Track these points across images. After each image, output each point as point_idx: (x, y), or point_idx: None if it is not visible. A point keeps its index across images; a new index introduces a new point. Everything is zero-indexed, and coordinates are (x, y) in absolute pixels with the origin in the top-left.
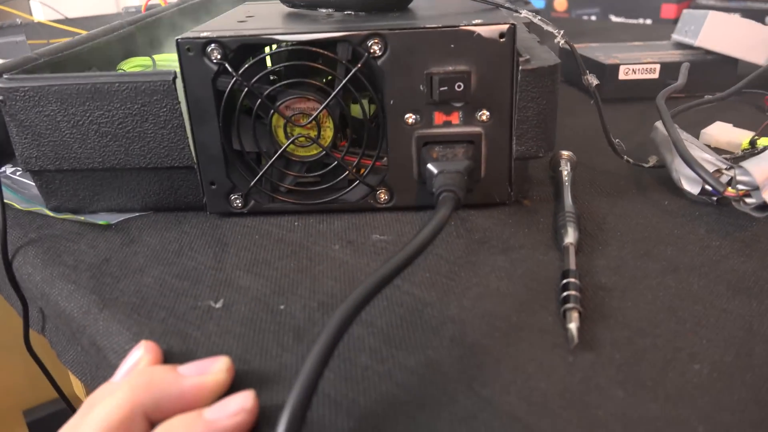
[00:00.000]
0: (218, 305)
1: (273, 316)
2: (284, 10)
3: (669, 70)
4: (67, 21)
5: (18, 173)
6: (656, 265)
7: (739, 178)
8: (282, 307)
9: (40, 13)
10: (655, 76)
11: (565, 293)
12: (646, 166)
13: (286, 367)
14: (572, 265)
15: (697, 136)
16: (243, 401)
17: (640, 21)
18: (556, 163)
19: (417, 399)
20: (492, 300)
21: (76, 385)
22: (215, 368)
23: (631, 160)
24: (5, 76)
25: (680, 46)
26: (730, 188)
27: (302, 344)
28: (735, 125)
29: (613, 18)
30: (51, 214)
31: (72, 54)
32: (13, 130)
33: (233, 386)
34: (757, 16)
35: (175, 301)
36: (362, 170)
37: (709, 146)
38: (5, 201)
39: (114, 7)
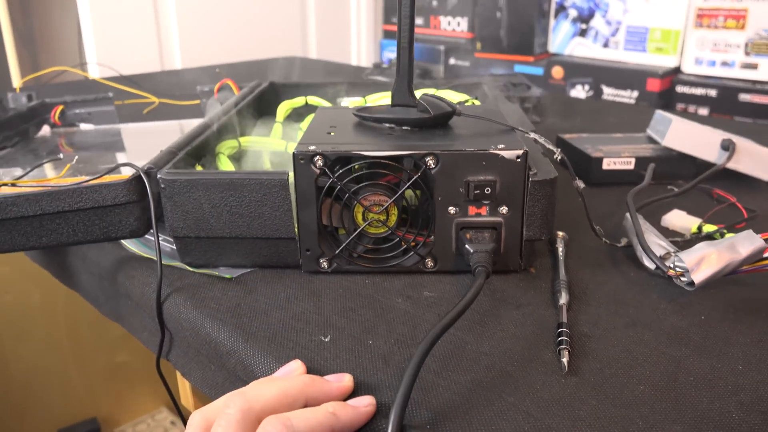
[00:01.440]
0: (327, 339)
1: (365, 348)
2: (354, 120)
3: (642, 162)
4: (121, 78)
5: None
6: (621, 320)
7: (677, 263)
8: (370, 342)
9: (96, 71)
10: (631, 167)
11: (559, 338)
12: (619, 245)
13: (382, 381)
14: (564, 319)
15: (659, 220)
16: (370, 398)
17: (628, 92)
18: (553, 241)
19: (467, 402)
20: (511, 341)
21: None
22: (346, 378)
23: (608, 241)
24: (166, 170)
25: (652, 140)
26: (671, 269)
27: (389, 367)
28: (689, 212)
29: (605, 88)
30: (188, 268)
31: (194, 147)
32: (168, 207)
33: (353, 392)
34: (731, 93)
35: (297, 336)
36: (414, 243)
37: (667, 229)
38: (146, 256)
39: (158, 64)
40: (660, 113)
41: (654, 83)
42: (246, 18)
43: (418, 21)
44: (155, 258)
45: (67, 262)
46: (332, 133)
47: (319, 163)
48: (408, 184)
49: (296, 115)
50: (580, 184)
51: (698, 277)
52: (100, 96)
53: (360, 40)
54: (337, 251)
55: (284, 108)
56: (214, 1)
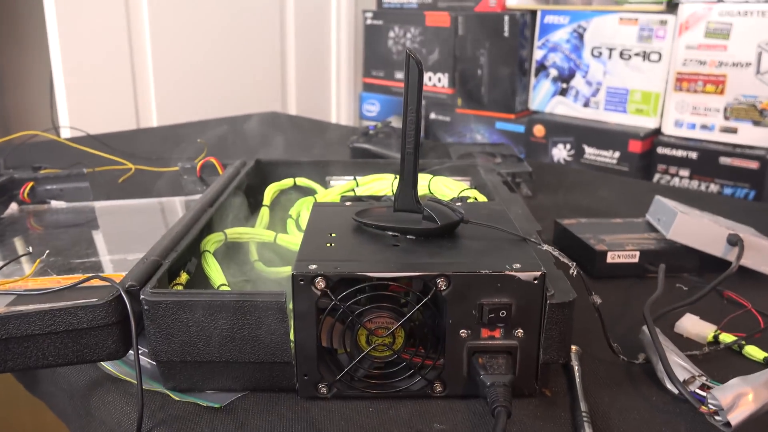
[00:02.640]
0: None
1: None
2: (354, 224)
3: (646, 255)
4: (93, 140)
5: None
6: None
7: (710, 401)
8: None
9: (67, 133)
10: (636, 260)
11: None
12: (636, 363)
13: None
14: None
15: (671, 325)
16: None
17: (610, 152)
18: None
19: None
20: None
21: None
22: None
23: (625, 359)
24: (150, 290)
25: (652, 227)
26: (704, 406)
27: None
28: (702, 316)
29: (586, 147)
30: (171, 394)
31: (180, 253)
32: (150, 330)
33: None
34: (711, 156)
35: None
36: (421, 367)
37: (681, 336)
38: (124, 378)
39: (134, 122)
40: (660, 200)
41: (635, 144)
42: (224, 72)
43: (398, 75)
44: (134, 381)
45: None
46: (331, 245)
47: (321, 284)
48: (416, 308)
49: (284, 196)
50: (597, 300)
51: (735, 418)
52: (74, 172)
53: (340, 94)
54: (338, 376)
55: (272, 190)
56: (191, 55)
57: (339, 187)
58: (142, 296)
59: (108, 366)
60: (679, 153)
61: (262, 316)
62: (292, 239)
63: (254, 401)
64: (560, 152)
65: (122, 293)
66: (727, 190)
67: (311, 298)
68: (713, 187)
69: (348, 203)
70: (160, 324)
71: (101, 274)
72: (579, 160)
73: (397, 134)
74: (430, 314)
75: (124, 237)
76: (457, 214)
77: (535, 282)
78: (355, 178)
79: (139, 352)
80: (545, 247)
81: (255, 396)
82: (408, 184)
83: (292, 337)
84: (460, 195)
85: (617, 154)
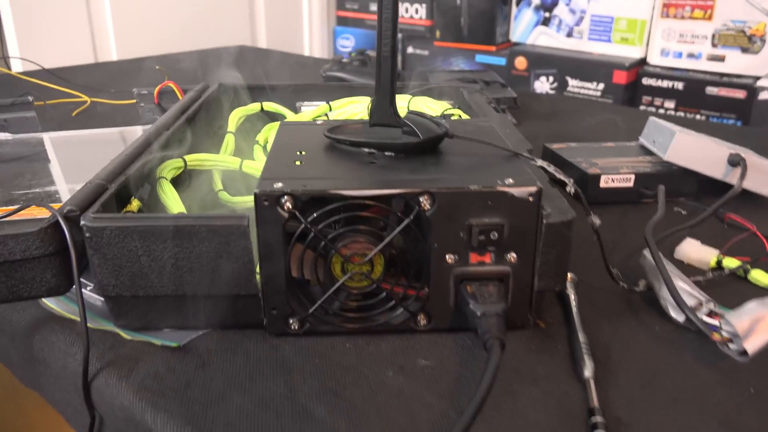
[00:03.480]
0: None
1: None
2: (326, 142)
3: (642, 179)
4: (46, 73)
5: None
6: (659, 397)
7: (724, 327)
8: None
9: (18, 65)
10: (630, 184)
11: None
12: (637, 290)
13: None
14: (596, 402)
15: (671, 251)
16: None
17: (594, 84)
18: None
19: None
20: None
21: None
22: None
23: (626, 286)
24: (91, 215)
25: (646, 150)
26: (716, 334)
27: None
28: (703, 241)
29: (570, 80)
30: (122, 333)
31: (130, 177)
32: (95, 261)
33: None
34: (697, 86)
35: None
36: (403, 298)
37: (682, 263)
38: (69, 317)
39: (91, 56)
40: (655, 121)
41: (620, 75)
42: (188, 2)
43: (373, 7)
44: (80, 320)
45: None
46: (301, 162)
47: (288, 205)
48: (397, 230)
49: (249, 123)
50: (596, 221)
51: (751, 346)
52: (18, 100)
53: (312, 28)
54: (310, 310)
55: (237, 116)
56: None
57: (310, 112)
58: (82, 222)
59: (51, 303)
60: (665, 84)
61: (222, 243)
62: (260, 166)
63: (217, 339)
64: (543, 85)
65: (60, 219)
66: (713, 121)
67: (278, 221)
68: (699, 119)
69: (319, 122)
70: (105, 254)
71: (41, 204)
72: (562, 93)
73: (373, 62)
74: (413, 238)
75: (76, 168)
76: (441, 128)
77: (530, 199)
78: (328, 103)
79: (85, 288)
80: (539, 162)
81: (217, 334)
82: (385, 94)
83: (257, 267)
84: (444, 113)
85: (601, 86)
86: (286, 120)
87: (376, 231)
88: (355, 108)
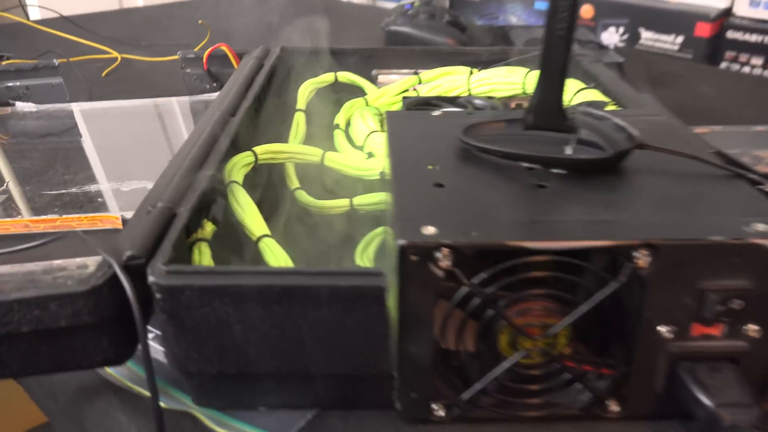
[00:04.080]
0: None
1: None
2: (458, 147)
3: None
4: (64, 20)
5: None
6: None
7: None
8: None
9: (36, 13)
10: None
11: None
12: None
13: None
14: None
15: None
16: None
17: (672, 37)
18: None
19: None
20: None
21: None
22: None
23: None
24: (163, 266)
25: None
26: None
27: None
28: None
29: (643, 32)
30: (205, 421)
31: (202, 194)
32: (169, 330)
33: None
34: None
35: None
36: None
37: None
38: (132, 388)
39: (116, 3)
40: None
41: (704, 28)
42: None
43: None
44: (146, 393)
45: None
46: (441, 185)
47: (446, 261)
48: (603, 296)
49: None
50: None
51: None
52: (43, 64)
53: None
54: (466, 395)
55: (308, 89)
56: None
57: (396, 86)
58: (151, 278)
59: (110, 369)
60: (753, 38)
61: (347, 309)
62: (343, 159)
63: (330, 426)
64: (611, 37)
65: (119, 273)
66: None
67: (428, 282)
68: None
69: (436, 113)
70: (183, 321)
71: (79, 231)
72: (633, 46)
73: (442, 15)
74: (615, 304)
75: (115, 154)
76: (627, 135)
77: None
78: (416, 73)
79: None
80: None
81: (331, 417)
82: (552, 88)
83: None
84: (577, 97)
85: (680, 39)
86: (368, 99)
87: (563, 294)
88: (453, 81)
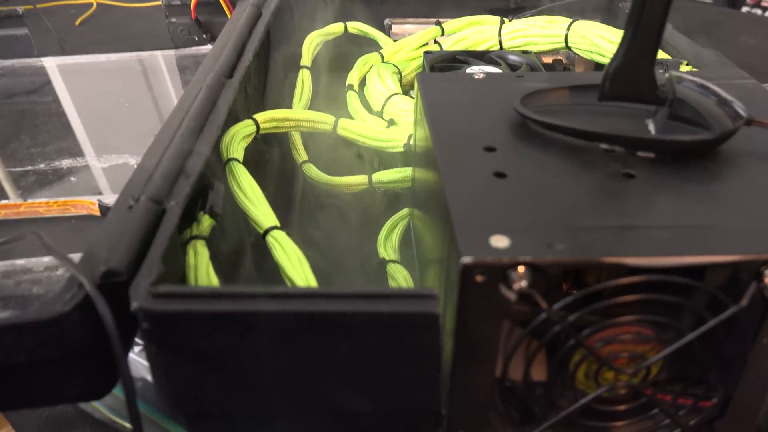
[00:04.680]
0: None
1: None
2: (516, 123)
3: None
4: None
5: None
6: None
7: None
8: None
9: None
10: None
11: None
12: None
13: None
14: None
15: None
16: None
17: None
18: None
19: None
20: None
21: None
22: None
23: None
24: (149, 287)
25: None
26: None
27: None
28: None
29: None
30: None
31: (197, 180)
32: (158, 364)
33: None
34: None
35: None
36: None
37: None
38: (115, 420)
39: None
40: None
41: None
42: None
43: None
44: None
45: None
46: (503, 176)
47: (522, 283)
48: (715, 321)
49: (324, 50)
50: None
51: None
52: (3, 12)
53: None
54: None
55: (314, 42)
56: None
57: (415, 38)
58: (135, 304)
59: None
60: None
61: (390, 339)
62: (360, 128)
63: None
64: None
65: (93, 295)
66: None
67: (498, 305)
68: None
69: (478, 75)
70: (175, 354)
71: (43, 236)
72: None
73: None
74: (731, 330)
75: (92, 119)
76: (733, 110)
77: None
78: (438, 23)
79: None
80: None
81: None
82: (645, 48)
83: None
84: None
85: None
86: (383, 53)
87: (662, 319)
88: (480, 34)
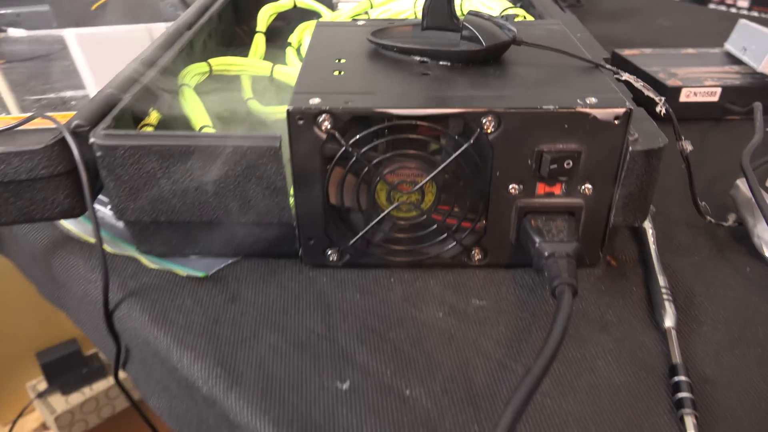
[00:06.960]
0: (345, 387)
1: (402, 404)
2: (370, 47)
3: (729, 93)
4: None
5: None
6: (751, 353)
7: None
8: (407, 392)
9: None
10: (715, 99)
11: (678, 395)
12: (725, 225)
13: None
14: (678, 358)
15: (763, 180)
16: None
17: None
18: None
19: None
20: (605, 393)
21: None
22: None
23: (713, 220)
24: (102, 131)
25: (733, 58)
26: None
27: None
28: None
29: None
30: (144, 260)
31: (147, 86)
32: (109, 184)
33: None
34: None
35: (301, 380)
36: (456, 229)
37: None
38: (89, 240)
39: None
40: (746, 24)
41: None
42: None
43: None
44: (110, 247)
45: None
46: (340, 72)
47: (327, 125)
48: (453, 156)
49: (282, 20)
50: (688, 147)
51: None
52: None
53: None
54: (351, 241)
55: (267, 13)
56: None
57: (349, 11)
58: (92, 139)
59: (68, 224)
60: None
61: (250, 166)
62: (293, 72)
63: (248, 269)
64: None
65: (66, 135)
66: None
67: (314, 142)
68: None
69: (361, 22)
70: (119, 175)
71: (48, 113)
72: None
73: None
74: (471, 164)
75: (97, 70)
76: (507, 33)
77: (616, 122)
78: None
79: (106, 206)
80: (624, 76)
81: (248, 263)
82: None
83: (291, 191)
84: (503, 14)
85: None
86: (321, 20)
87: (429, 156)
88: (401, 5)
